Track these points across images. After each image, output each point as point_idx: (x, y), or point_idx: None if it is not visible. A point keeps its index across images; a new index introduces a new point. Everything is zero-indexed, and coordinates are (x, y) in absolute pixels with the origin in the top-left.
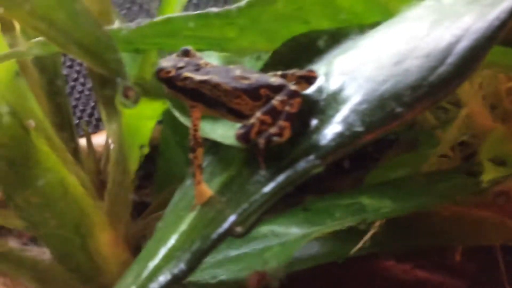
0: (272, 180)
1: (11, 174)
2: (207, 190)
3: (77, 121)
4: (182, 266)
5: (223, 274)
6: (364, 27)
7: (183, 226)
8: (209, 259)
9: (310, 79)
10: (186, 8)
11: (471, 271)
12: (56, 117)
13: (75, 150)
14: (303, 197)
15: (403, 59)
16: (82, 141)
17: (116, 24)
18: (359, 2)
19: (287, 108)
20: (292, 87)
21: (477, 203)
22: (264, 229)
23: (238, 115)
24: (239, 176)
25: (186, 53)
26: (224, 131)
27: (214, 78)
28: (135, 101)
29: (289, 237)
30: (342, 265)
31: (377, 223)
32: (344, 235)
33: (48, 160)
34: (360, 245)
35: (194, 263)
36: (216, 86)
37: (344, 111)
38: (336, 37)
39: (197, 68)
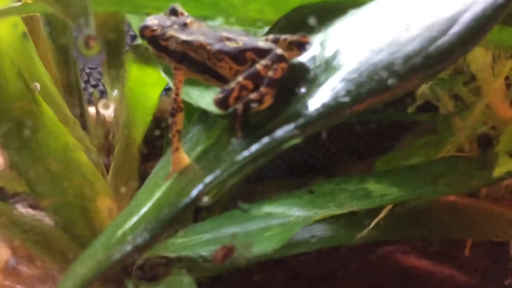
0: (246, 149)
1: (14, 136)
2: (185, 157)
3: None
4: (146, 235)
5: None
6: None
7: (158, 194)
8: (208, 235)
9: (302, 45)
10: None
11: (481, 266)
12: (65, 82)
13: (83, 117)
14: (313, 180)
15: (404, 28)
16: (93, 110)
17: None
18: None
19: (270, 73)
20: (278, 51)
21: (491, 196)
22: (266, 208)
23: (221, 79)
24: (217, 144)
25: (174, 12)
26: (212, 99)
27: (199, 38)
28: (98, 54)
29: (290, 218)
30: (346, 251)
31: (384, 211)
32: (350, 220)
33: (53, 125)
34: (365, 232)
35: (158, 233)
36: (200, 47)
37: (333, 80)
38: (343, 7)
39: (183, 28)
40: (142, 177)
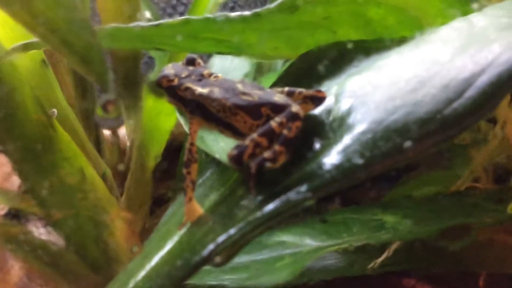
0: (259, 209)
1: (30, 160)
2: (198, 208)
3: None
4: None
5: (229, 280)
6: (391, 41)
7: (169, 245)
8: None
9: (317, 100)
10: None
11: None
12: (82, 106)
13: (98, 141)
14: (323, 205)
15: (420, 86)
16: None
17: (140, 21)
18: (391, 14)
19: (285, 131)
20: (294, 108)
21: (505, 228)
22: (278, 237)
23: (236, 132)
24: (231, 196)
25: (191, 62)
26: (226, 145)
27: (215, 91)
28: (116, 117)
29: (302, 248)
30: (359, 280)
31: (397, 242)
32: (362, 250)
33: (68, 149)
34: (377, 263)
35: None
36: (215, 100)
37: (346, 140)
38: (355, 53)
39: (200, 79)
40: (155, 200)
